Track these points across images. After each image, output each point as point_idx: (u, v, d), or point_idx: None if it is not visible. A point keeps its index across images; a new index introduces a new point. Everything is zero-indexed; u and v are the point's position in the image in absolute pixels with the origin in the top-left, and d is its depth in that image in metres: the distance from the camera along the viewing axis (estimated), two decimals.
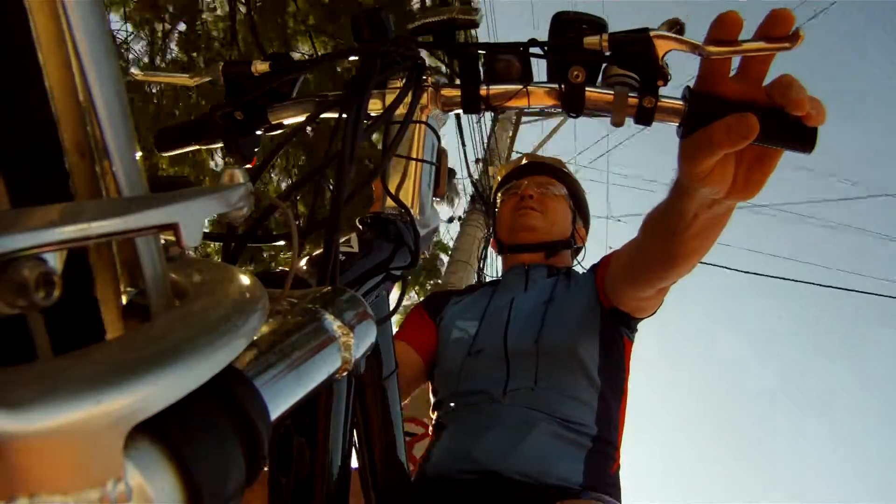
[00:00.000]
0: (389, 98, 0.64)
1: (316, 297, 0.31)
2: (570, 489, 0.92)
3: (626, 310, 1.08)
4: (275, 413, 0.22)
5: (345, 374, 0.29)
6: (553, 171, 1.36)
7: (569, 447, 0.97)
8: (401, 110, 0.53)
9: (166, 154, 0.75)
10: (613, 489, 0.99)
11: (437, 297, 1.32)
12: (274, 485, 0.36)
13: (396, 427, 0.61)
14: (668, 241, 0.76)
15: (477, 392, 1.05)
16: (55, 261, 0.16)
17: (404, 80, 0.57)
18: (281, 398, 0.23)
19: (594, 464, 0.97)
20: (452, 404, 1.07)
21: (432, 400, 1.16)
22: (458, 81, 0.65)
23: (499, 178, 1.43)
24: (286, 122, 0.70)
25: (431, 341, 1.19)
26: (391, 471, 0.62)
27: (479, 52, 0.64)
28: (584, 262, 1.37)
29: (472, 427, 1.00)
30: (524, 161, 1.39)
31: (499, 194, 1.39)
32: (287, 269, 0.35)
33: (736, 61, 0.55)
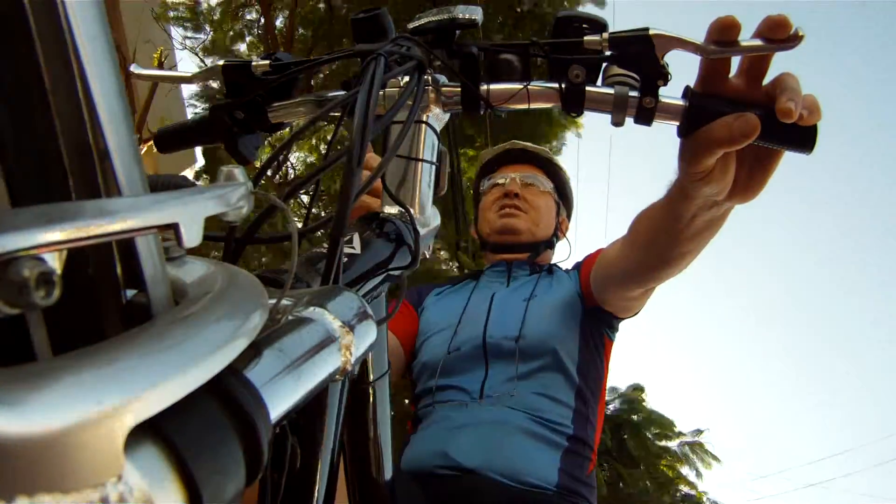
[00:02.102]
0: (389, 98, 0.64)
1: (316, 297, 0.30)
2: (546, 490, 0.92)
3: (611, 309, 1.08)
4: (275, 413, 0.22)
5: (345, 374, 0.29)
6: (539, 161, 1.31)
7: (544, 447, 0.97)
8: (402, 110, 0.53)
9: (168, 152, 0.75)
10: (588, 490, 0.99)
11: (419, 288, 1.31)
12: (264, 482, 0.36)
13: (384, 427, 0.61)
14: (663, 242, 0.76)
15: (455, 388, 1.05)
16: (55, 261, 0.16)
17: (405, 80, 0.57)
18: (281, 398, 0.23)
19: (570, 464, 0.97)
20: (431, 399, 1.07)
21: (412, 392, 1.16)
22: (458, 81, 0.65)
23: (482, 163, 1.38)
24: (287, 121, 0.70)
25: (413, 331, 1.19)
26: (377, 469, 0.62)
27: (480, 51, 0.64)
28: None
29: (449, 424, 1.00)
30: (507, 148, 1.33)
31: (482, 182, 1.34)
32: (287, 268, 0.35)
33: (735, 61, 0.55)
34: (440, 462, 0.95)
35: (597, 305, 1.08)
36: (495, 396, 1.01)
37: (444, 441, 0.97)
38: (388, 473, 0.64)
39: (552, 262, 1.30)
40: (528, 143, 1.35)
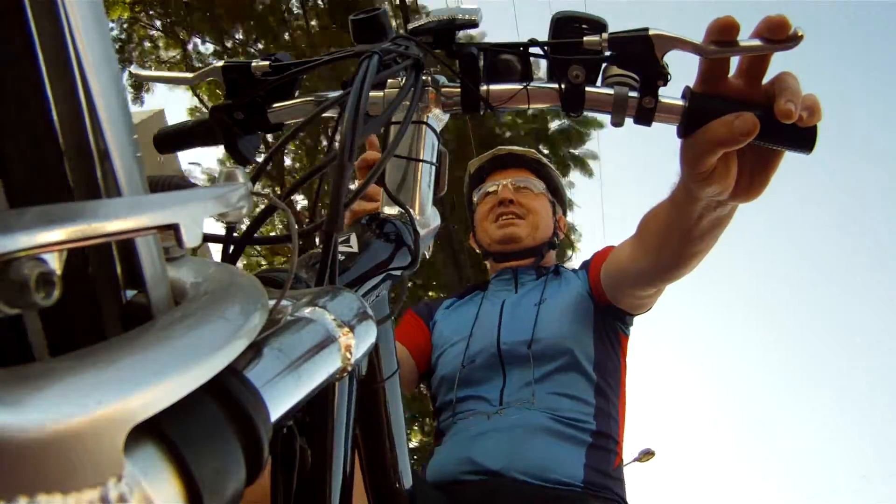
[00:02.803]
0: (389, 98, 0.64)
1: (316, 297, 0.30)
2: (573, 487, 0.92)
3: (624, 307, 1.08)
4: (275, 413, 0.22)
5: (346, 374, 0.29)
6: (529, 163, 1.30)
7: (568, 444, 0.97)
8: (401, 110, 0.53)
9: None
10: (617, 484, 0.99)
11: (428, 302, 1.32)
12: (275, 486, 0.36)
13: (398, 427, 0.61)
14: (674, 243, 0.76)
15: (475, 398, 1.05)
16: (55, 261, 0.16)
17: (404, 80, 0.57)
18: (281, 398, 0.23)
19: (595, 460, 0.97)
20: (451, 411, 1.07)
21: (432, 407, 1.17)
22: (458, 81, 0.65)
23: (471, 172, 1.36)
24: (286, 121, 0.70)
25: (426, 345, 1.19)
26: (394, 471, 0.62)
27: (479, 51, 0.64)
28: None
29: (470, 432, 1.00)
30: (495, 154, 1.32)
31: (474, 192, 1.33)
32: (286, 268, 0.35)
33: (734, 61, 0.55)
34: (465, 468, 0.95)
35: (609, 304, 1.08)
36: (515, 402, 1.01)
37: (467, 448, 0.97)
38: (406, 473, 0.63)
39: (556, 262, 1.30)
40: (515, 147, 1.34)
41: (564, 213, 1.37)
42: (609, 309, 1.09)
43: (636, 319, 1.14)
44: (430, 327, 1.22)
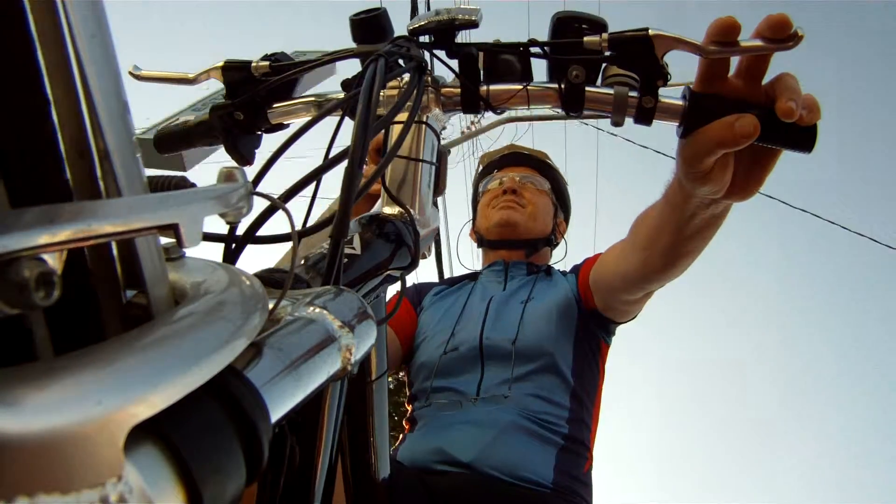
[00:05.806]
0: (388, 98, 0.64)
1: (316, 297, 0.30)
2: (542, 487, 0.92)
3: (610, 314, 1.08)
4: (275, 413, 0.22)
5: (345, 374, 0.29)
6: (536, 163, 1.34)
7: (540, 444, 0.98)
8: (402, 111, 0.53)
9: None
10: (584, 488, 1.00)
11: (418, 286, 1.32)
12: (263, 481, 0.36)
13: (381, 425, 0.62)
14: (665, 243, 0.76)
15: (451, 389, 1.06)
16: (55, 261, 0.16)
17: (405, 81, 0.57)
18: (281, 398, 0.23)
19: (566, 462, 0.98)
20: (427, 399, 1.07)
21: (408, 392, 1.17)
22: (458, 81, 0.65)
23: (480, 168, 1.41)
24: (286, 122, 0.70)
25: (411, 328, 1.20)
26: (374, 466, 0.62)
27: (479, 52, 0.64)
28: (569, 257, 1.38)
29: (444, 422, 1.00)
30: (506, 151, 1.37)
31: (479, 185, 1.37)
32: (286, 268, 0.35)
33: (734, 61, 0.55)
34: (437, 458, 0.95)
35: (594, 308, 1.09)
36: (490, 397, 1.01)
37: (439, 438, 0.97)
38: (385, 471, 0.64)
39: (549, 263, 1.31)
40: (527, 147, 1.38)
41: (566, 220, 1.38)
42: (593, 314, 1.10)
43: (619, 329, 1.14)
44: (417, 312, 1.23)
